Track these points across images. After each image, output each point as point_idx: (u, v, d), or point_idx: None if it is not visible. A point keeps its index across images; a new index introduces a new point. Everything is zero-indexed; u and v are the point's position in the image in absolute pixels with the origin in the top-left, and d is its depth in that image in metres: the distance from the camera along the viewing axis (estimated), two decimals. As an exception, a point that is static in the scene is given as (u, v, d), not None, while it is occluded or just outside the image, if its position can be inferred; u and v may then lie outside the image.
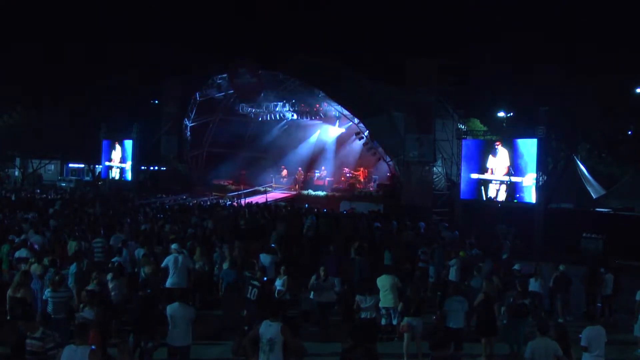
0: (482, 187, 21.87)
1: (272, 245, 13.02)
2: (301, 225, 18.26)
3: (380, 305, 10.40)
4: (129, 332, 9.08)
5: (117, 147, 36.21)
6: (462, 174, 23.13)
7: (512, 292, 10.94)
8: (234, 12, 54.70)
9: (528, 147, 20.78)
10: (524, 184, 20.43)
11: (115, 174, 36.46)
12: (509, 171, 20.89)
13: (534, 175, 20.16)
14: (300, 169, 32.89)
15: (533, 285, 12.00)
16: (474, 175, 22.24)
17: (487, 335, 9.60)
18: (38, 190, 33.77)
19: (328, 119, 31.14)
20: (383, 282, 10.45)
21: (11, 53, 41.12)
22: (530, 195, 20.62)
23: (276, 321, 7.23)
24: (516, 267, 12.58)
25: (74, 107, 39.10)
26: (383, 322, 10.45)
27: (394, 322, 10.32)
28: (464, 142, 23.34)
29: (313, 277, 10.74)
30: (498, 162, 21.43)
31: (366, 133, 27.45)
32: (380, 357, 6.88)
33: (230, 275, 11.20)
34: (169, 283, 11.10)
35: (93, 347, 6.58)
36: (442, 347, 8.06)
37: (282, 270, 11.04)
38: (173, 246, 12.20)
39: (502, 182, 21.11)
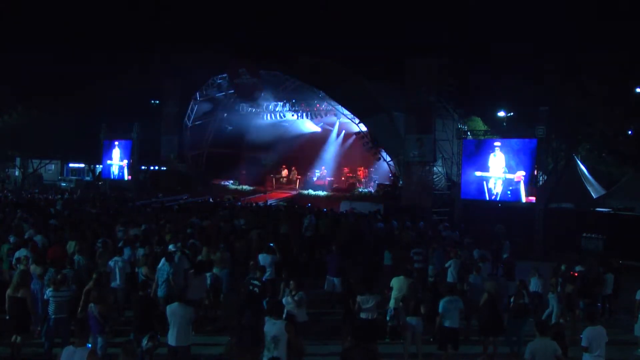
0: (485, 183, 21.94)
1: (271, 245, 13.02)
2: (301, 225, 18.29)
3: (392, 306, 10.43)
4: (129, 332, 9.09)
5: (117, 146, 36.24)
6: (463, 173, 23.04)
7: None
8: (233, 11, 54.58)
9: (521, 146, 21.13)
10: (515, 180, 20.86)
11: (115, 170, 36.49)
12: (504, 169, 21.30)
13: (524, 173, 20.55)
14: (294, 168, 32.88)
15: (534, 285, 12.01)
16: (478, 173, 22.28)
17: (493, 335, 9.66)
18: (37, 190, 33.77)
19: (328, 119, 31.16)
20: (400, 283, 10.47)
21: (11, 53, 41.10)
22: (520, 192, 20.82)
23: (279, 319, 7.29)
24: (578, 268, 12.64)
25: (74, 107, 39.07)
26: (393, 322, 10.47)
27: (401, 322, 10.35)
28: (466, 142, 23.36)
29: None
30: (497, 161, 21.70)
31: (365, 131, 27.50)
32: (381, 357, 6.87)
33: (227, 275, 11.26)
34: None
35: (89, 345, 6.59)
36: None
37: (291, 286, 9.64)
38: (170, 246, 12.19)
39: (498, 178, 21.49)
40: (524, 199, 20.89)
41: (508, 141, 21.85)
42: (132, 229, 15.30)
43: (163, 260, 11.13)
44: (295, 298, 9.27)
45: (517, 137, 21.80)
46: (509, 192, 20.97)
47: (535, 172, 20.66)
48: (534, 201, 20.76)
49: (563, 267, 12.57)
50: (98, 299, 8.73)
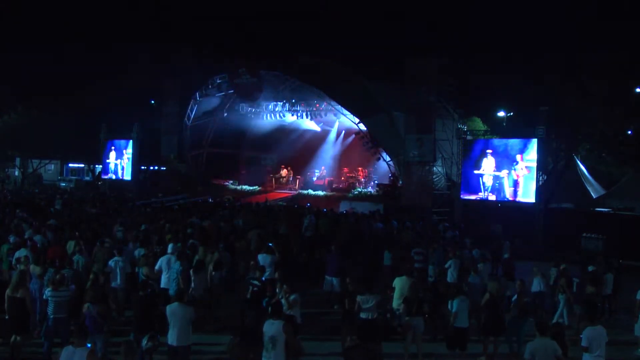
0: (480, 178, 22.96)
1: (270, 245, 13.03)
2: (301, 225, 18.28)
3: (394, 306, 10.45)
4: (129, 332, 9.09)
5: (116, 146, 36.33)
6: (463, 173, 23.49)
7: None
8: (233, 11, 54.62)
9: (505, 148, 22.44)
10: (501, 176, 22.23)
11: (115, 170, 36.57)
12: (494, 169, 22.58)
13: (507, 171, 21.89)
14: (289, 167, 32.78)
15: (535, 284, 12.03)
16: (476, 171, 23.14)
17: (494, 335, 9.70)
18: (37, 190, 33.77)
19: (328, 119, 31.15)
20: (402, 283, 10.49)
21: (11, 53, 41.11)
22: (504, 186, 22.03)
23: (278, 320, 7.31)
24: (591, 268, 12.66)
25: (74, 107, 39.07)
26: (395, 322, 10.48)
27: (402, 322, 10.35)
28: (466, 142, 23.86)
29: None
30: (489, 163, 22.87)
31: (365, 131, 27.47)
32: (382, 357, 6.88)
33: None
34: (162, 283, 11.15)
35: (89, 345, 6.58)
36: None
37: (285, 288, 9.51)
38: (170, 246, 12.18)
39: (490, 175, 22.72)
40: (507, 192, 21.94)
41: (494, 145, 22.94)
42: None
43: (173, 258, 11.20)
44: (289, 299, 9.17)
45: (505, 138, 23.22)
46: (497, 185, 22.31)
47: (514, 170, 21.79)
48: (515, 195, 21.70)
49: (563, 267, 12.57)
50: (95, 299, 8.73)
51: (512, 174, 21.75)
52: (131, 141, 34.87)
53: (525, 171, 21.43)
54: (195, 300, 10.48)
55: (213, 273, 11.54)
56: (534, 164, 21.08)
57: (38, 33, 46.31)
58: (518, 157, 21.57)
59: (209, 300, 11.36)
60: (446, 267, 12.97)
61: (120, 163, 35.70)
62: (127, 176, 35.34)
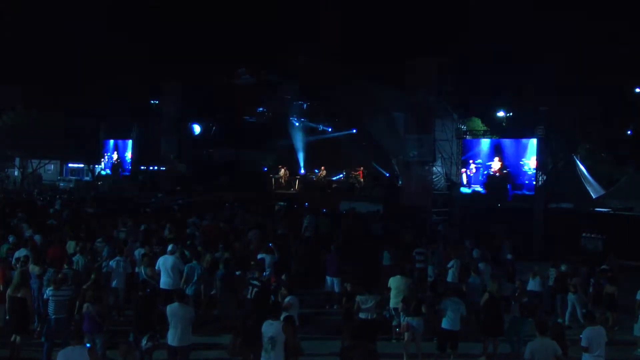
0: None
1: (270, 245, 13.04)
2: (300, 225, 18.27)
3: (391, 305, 10.45)
4: (128, 332, 9.09)
5: (116, 146, 36.48)
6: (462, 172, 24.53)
7: None
8: (233, 12, 54.52)
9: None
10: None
11: (114, 170, 36.73)
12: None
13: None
14: (285, 167, 32.79)
15: (533, 284, 12.03)
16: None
17: (494, 335, 9.68)
18: (36, 190, 33.73)
19: (328, 119, 31.16)
20: (397, 283, 10.48)
21: (11, 52, 41.08)
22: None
23: (277, 320, 7.30)
24: (604, 266, 12.67)
25: (74, 107, 39.05)
26: (395, 322, 10.48)
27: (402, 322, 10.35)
28: (465, 142, 24.55)
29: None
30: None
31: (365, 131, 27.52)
32: (380, 357, 6.89)
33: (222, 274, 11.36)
34: (161, 284, 11.16)
35: (89, 345, 6.60)
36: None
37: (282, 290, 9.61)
38: (169, 247, 12.20)
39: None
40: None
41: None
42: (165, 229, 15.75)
43: (170, 258, 11.24)
44: (284, 302, 9.02)
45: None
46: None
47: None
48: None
49: (563, 267, 12.56)
50: (94, 299, 8.73)
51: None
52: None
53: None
54: (209, 300, 10.52)
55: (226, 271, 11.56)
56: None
57: (38, 32, 46.26)
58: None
59: (217, 300, 11.37)
60: (449, 266, 12.94)
61: (127, 163, 36.49)
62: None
